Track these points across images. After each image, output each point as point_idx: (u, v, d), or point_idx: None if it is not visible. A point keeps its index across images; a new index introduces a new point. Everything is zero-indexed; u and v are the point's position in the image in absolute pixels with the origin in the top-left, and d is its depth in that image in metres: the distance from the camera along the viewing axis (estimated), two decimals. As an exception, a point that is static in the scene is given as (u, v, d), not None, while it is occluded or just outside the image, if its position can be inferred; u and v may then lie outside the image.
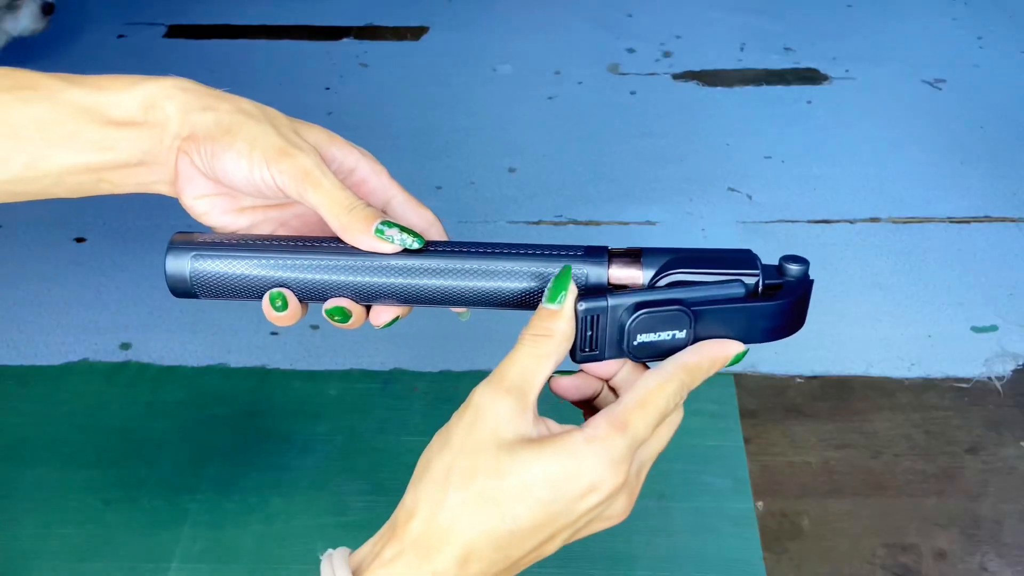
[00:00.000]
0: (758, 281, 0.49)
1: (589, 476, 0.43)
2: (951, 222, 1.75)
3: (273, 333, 1.51)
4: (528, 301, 0.51)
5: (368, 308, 0.53)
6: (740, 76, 2.18)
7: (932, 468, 1.32)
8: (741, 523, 1.24)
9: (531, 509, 0.43)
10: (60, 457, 1.34)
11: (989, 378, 1.44)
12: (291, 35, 2.35)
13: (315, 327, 1.52)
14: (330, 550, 0.46)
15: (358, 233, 0.49)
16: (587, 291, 0.49)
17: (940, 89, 2.13)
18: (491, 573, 0.44)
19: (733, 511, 1.25)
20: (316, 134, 0.53)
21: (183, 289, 0.55)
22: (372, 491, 1.30)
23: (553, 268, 0.50)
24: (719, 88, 2.14)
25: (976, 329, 1.53)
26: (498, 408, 0.44)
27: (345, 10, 2.44)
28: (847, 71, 2.18)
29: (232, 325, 1.54)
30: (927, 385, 1.44)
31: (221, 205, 0.54)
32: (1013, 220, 1.75)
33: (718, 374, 0.50)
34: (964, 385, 1.44)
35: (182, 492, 1.29)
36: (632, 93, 2.14)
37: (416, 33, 2.36)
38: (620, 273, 0.49)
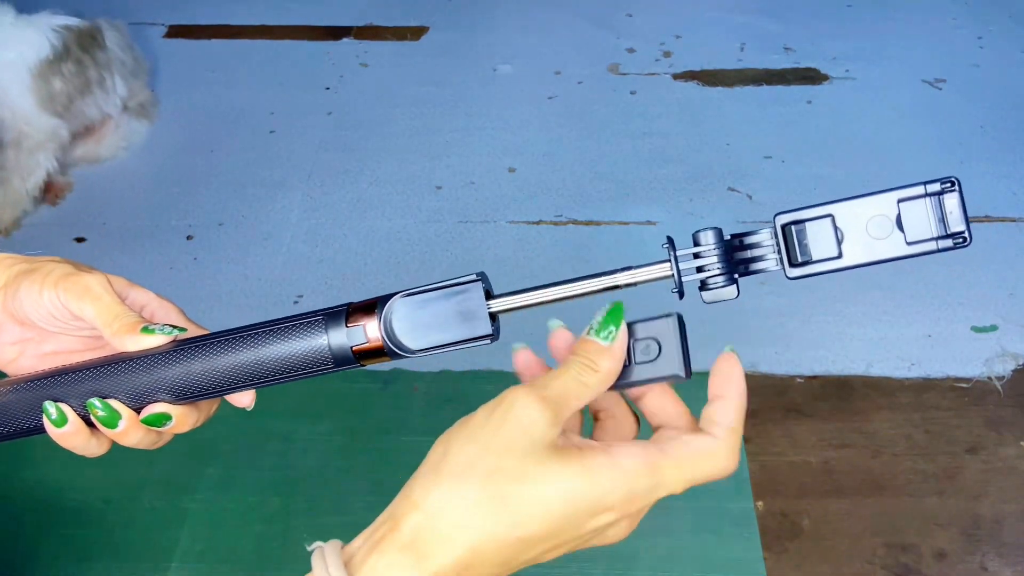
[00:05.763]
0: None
1: (607, 501, 0.43)
2: (951, 222, 1.75)
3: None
4: (293, 368, 0.52)
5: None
6: (740, 76, 2.18)
7: (932, 468, 1.32)
8: (741, 523, 1.24)
9: (543, 520, 0.43)
10: (61, 457, 1.33)
11: (989, 378, 1.44)
12: (291, 35, 2.36)
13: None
14: (319, 543, 0.45)
15: (125, 334, 0.52)
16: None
17: (940, 89, 2.13)
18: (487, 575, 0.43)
19: (733, 511, 1.25)
20: (117, 279, 0.57)
21: None
22: (372, 491, 1.30)
23: (304, 334, 0.51)
24: (719, 88, 2.14)
25: (976, 329, 1.53)
26: (533, 413, 0.43)
27: (345, 10, 2.44)
28: (847, 71, 2.18)
29: (232, 324, 1.53)
30: (927, 385, 1.44)
31: (29, 350, 0.57)
32: (1013, 220, 1.75)
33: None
34: (964, 385, 1.44)
35: (182, 492, 1.29)
36: (632, 93, 2.14)
37: (416, 33, 2.36)
38: (360, 321, 0.50)
